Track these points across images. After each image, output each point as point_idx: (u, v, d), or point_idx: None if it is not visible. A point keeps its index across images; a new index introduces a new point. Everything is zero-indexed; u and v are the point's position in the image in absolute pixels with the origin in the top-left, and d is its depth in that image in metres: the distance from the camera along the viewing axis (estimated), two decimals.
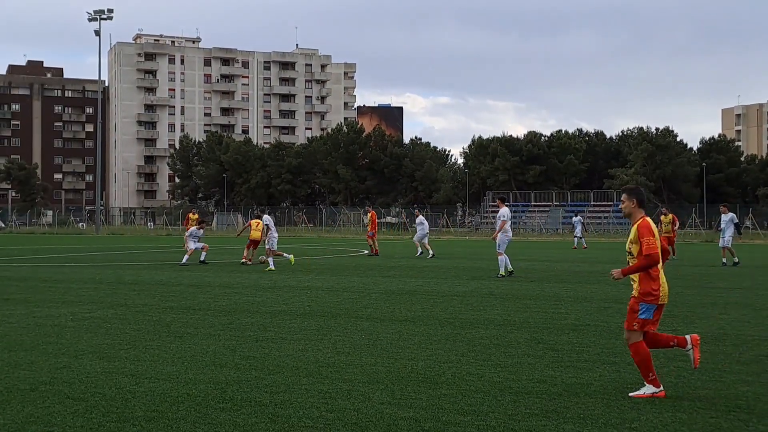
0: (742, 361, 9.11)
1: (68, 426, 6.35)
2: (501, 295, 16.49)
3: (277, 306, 14.44)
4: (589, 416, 6.64)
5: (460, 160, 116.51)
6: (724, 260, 27.01)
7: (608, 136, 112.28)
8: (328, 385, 7.81)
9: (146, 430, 6.25)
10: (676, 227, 31.22)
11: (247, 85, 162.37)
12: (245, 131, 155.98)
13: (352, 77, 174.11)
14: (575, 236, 45.44)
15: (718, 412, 6.80)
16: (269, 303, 14.94)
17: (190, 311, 13.67)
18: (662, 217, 30.27)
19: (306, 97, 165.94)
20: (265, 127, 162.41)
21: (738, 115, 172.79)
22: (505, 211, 21.33)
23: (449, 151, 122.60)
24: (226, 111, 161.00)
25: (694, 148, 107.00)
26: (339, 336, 10.87)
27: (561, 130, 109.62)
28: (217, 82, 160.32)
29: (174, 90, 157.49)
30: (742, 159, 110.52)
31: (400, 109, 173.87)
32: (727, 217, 27.12)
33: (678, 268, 25.35)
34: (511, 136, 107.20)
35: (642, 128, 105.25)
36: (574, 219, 47.08)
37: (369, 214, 35.86)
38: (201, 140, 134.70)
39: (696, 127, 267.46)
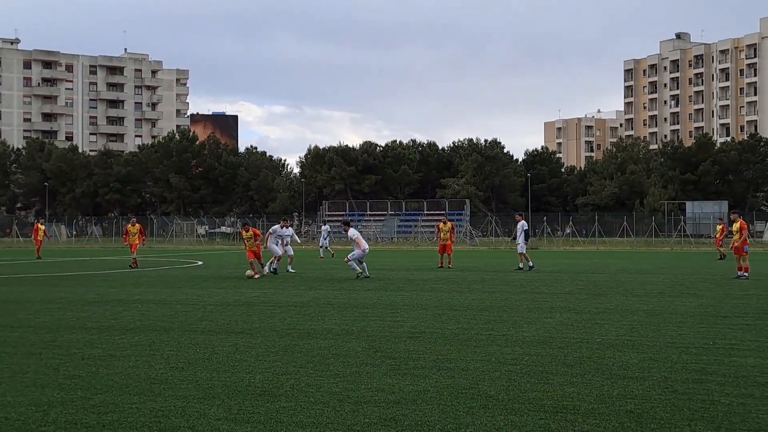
0: (567, 362, 9.53)
1: None
2: (339, 304, 16.52)
3: (105, 321, 13.79)
4: (426, 423, 6.73)
5: (297, 170, 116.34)
6: (521, 265, 28.67)
7: (440, 147, 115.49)
8: (161, 402, 7.51)
9: None
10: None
11: (72, 89, 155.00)
12: (69, 138, 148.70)
13: (185, 84, 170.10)
14: (321, 246, 43.57)
15: (547, 413, 7.07)
16: (96, 318, 14.25)
17: (8, 329, 12.81)
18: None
19: (136, 103, 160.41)
20: (91, 133, 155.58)
21: (559, 128, 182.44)
22: (353, 232, 25.83)
23: (285, 161, 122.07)
24: (48, 116, 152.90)
25: (520, 160, 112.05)
26: (172, 351, 10.50)
27: (396, 141, 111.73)
28: (38, 85, 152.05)
29: None
30: (563, 170, 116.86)
31: (235, 117, 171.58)
32: (520, 225, 28.98)
33: (505, 275, 26.36)
34: (347, 146, 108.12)
35: (472, 140, 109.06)
36: (323, 228, 45.30)
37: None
38: (20, 147, 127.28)
39: (521, 139, 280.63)
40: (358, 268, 24.53)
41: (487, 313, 14.65)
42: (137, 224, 32.96)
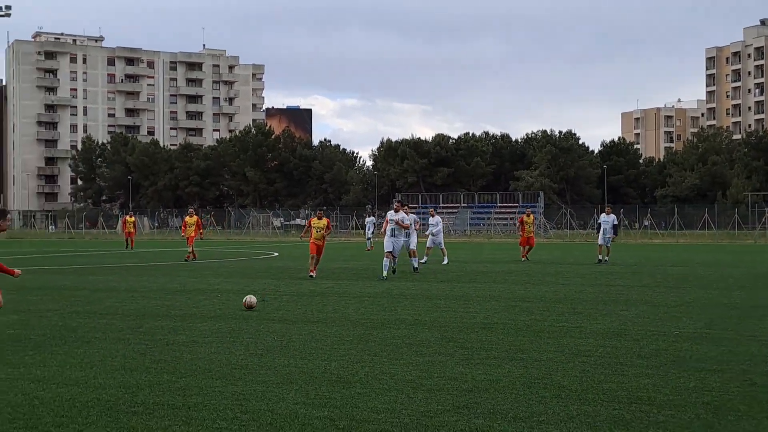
0: (643, 354, 9.48)
1: None
2: (412, 295, 16.68)
3: (187, 309, 14.25)
4: (498, 411, 6.81)
5: (369, 162, 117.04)
6: (600, 257, 28.25)
7: (513, 139, 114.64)
8: (241, 386, 7.78)
9: None
10: None
11: (153, 85, 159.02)
12: (151, 133, 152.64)
13: (261, 78, 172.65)
14: (367, 238, 43.12)
15: (621, 404, 7.08)
16: (179, 306, 14.73)
17: (97, 316, 13.36)
18: None
19: (213, 98, 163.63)
20: (171, 128, 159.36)
21: (637, 119, 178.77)
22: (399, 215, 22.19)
23: (358, 154, 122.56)
24: (131, 112, 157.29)
25: (596, 151, 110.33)
26: (251, 338, 10.81)
27: (468, 133, 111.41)
28: (122, 82, 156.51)
29: (76, 90, 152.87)
30: (641, 161, 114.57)
31: (309, 111, 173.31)
32: (611, 219, 28.48)
33: (579, 267, 26.12)
34: (419, 138, 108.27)
35: (546, 131, 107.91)
36: (367, 219, 45.06)
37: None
38: (105, 141, 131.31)
39: (597, 130, 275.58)
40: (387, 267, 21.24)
41: (561, 305, 14.60)
42: (195, 215, 32.08)
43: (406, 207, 23.10)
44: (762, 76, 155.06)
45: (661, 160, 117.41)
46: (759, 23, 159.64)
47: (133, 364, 9.00)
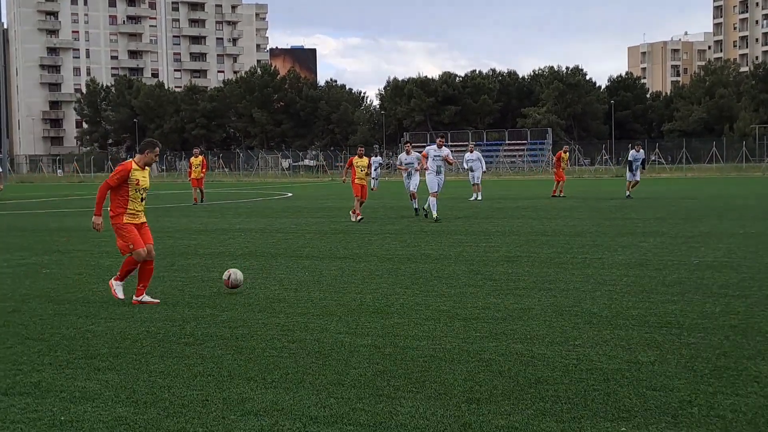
0: (666, 283, 9.75)
1: (36, 363, 6.47)
2: (432, 231, 16.96)
3: (215, 248, 14.55)
4: (535, 336, 7.10)
5: (376, 102, 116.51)
6: (629, 192, 28.30)
7: (520, 76, 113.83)
8: (283, 318, 8.08)
9: (115, 365, 6.42)
10: None
11: (155, 27, 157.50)
12: (155, 75, 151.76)
13: (264, 18, 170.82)
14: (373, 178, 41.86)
15: (651, 327, 7.36)
16: (206, 245, 15.03)
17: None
18: None
19: (217, 39, 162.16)
20: (175, 70, 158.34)
21: (643, 53, 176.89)
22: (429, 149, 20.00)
23: (365, 93, 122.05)
24: (134, 54, 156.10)
25: (603, 86, 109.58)
26: (283, 274, 11.11)
27: (475, 71, 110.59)
28: (123, 23, 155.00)
29: (78, 32, 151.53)
30: (648, 96, 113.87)
31: (314, 51, 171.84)
32: (639, 154, 28.45)
33: (594, 202, 26.35)
34: (426, 77, 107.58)
35: (553, 67, 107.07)
36: (374, 159, 43.56)
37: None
38: (109, 84, 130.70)
39: (604, 65, 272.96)
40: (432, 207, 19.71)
41: (580, 239, 14.86)
42: (200, 155, 29.75)
43: (408, 145, 22.22)
44: None
45: (668, 94, 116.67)
46: None
47: (174, 299, 9.31)
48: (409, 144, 22.45)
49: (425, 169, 19.43)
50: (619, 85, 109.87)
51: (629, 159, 28.84)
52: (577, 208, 23.87)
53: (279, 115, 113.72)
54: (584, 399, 5.31)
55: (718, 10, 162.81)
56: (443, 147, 19.94)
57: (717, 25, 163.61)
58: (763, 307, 8.15)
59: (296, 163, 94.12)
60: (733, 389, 5.44)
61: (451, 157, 20.21)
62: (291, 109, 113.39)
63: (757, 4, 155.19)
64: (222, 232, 17.81)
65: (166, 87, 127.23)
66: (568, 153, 31.43)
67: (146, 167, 9.20)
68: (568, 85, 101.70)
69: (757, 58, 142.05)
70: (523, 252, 13.03)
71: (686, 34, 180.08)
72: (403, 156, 22.02)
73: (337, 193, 33.59)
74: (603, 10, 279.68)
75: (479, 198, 28.05)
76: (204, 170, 29.51)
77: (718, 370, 5.91)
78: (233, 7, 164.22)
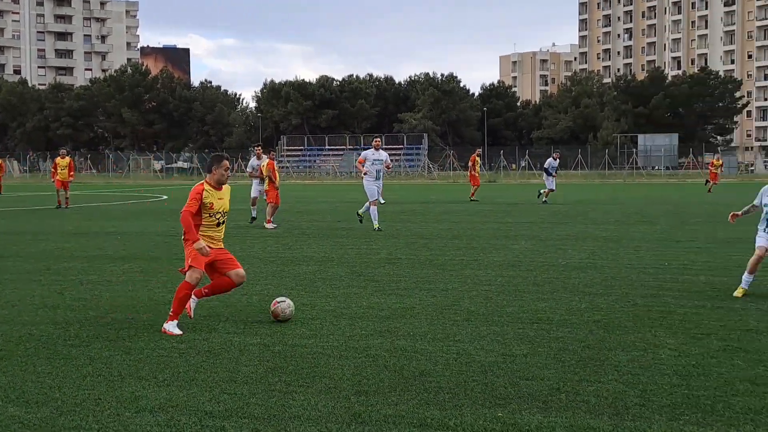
0: (537, 282, 10.37)
1: None
2: (314, 234, 17.21)
3: (92, 251, 14.29)
4: (418, 333, 7.48)
5: (252, 104, 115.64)
6: (545, 199, 28.78)
7: (397, 82, 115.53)
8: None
9: (2, 368, 6.36)
10: None
11: (18, 21, 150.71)
12: (17, 71, 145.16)
13: (135, 16, 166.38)
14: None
15: (524, 323, 7.88)
16: (81, 248, 14.73)
17: (1, 258, 13.26)
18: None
19: (85, 35, 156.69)
20: (39, 67, 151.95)
21: (514, 62, 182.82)
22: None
23: (240, 95, 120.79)
24: None
25: (476, 94, 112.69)
26: (166, 277, 11.10)
27: (352, 75, 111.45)
28: None
29: None
30: (519, 104, 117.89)
31: (187, 50, 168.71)
32: (556, 163, 29.38)
33: (468, 206, 27.24)
34: (303, 80, 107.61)
35: (428, 74, 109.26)
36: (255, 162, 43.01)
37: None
38: None
39: (477, 73, 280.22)
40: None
41: (457, 241, 15.46)
42: (67, 156, 27.91)
43: (259, 149, 20.58)
44: (631, 22, 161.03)
45: (537, 102, 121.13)
46: None
47: (54, 302, 9.19)
48: (259, 147, 20.81)
49: (364, 174, 17.66)
50: (491, 93, 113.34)
51: (545, 166, 29.53)
52: (453, 212, 24.64)
53: (151, 115, 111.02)
54: (464, 389, 5.70)
55: (583, 24, 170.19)
56: (380, 150, 18.18)
57: (582, 38, 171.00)
58: (623, 304, 8.83)
59: (169, 165, 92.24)
60: (596, 377, 5.96)
61: (389, 161, 18.50)
62: (163, 109, 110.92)
63: (618, 18, 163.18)
64: (96, 234, 17.46)
65: (30, 84, 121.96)
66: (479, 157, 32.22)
67: (221, 186, 8.04)
68: (443, 91, 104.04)
69: (618, 70, 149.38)
70: (403, 254, 13.46)
71: (554, 45, 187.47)
72: (254, 161, 20.55)
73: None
74: (477, 20, 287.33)
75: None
76: (72, 173, 27.78)
77: (583, 361, 6.43)
78: (102, 4, 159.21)
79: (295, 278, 10.90)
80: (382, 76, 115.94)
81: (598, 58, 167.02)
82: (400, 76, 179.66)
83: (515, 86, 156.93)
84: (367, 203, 17.85)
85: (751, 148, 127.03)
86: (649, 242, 15.01)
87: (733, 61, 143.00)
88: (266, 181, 19.39)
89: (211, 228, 8.06)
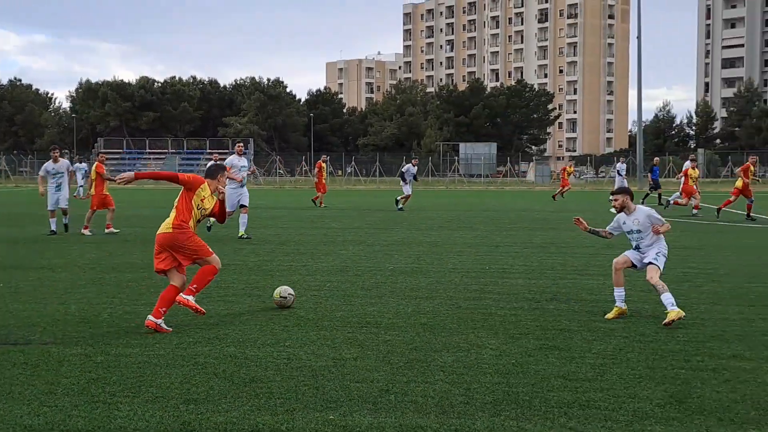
0: (365, 287, 10.55)
1: None
2: (135, 240, 16.66)
3: None
4: (247, 339, 7.43)
5: (66, 105, 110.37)
6: (401, 206, 28.52)
7: (222, 85, 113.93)
8: None
9: None
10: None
11: None
12: None
13: None
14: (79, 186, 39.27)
15: (353, 327, 8.00)
16: None
17: None
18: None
19: None
20: None
21: (340, 69, 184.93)
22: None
23: (53, 94, 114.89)
24: None
25: (302, 100, 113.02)
26: None
27: (174, 77, 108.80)
28: None
29: None
30: (345, 111, 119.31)
31: None
32: (414, 169, 29.47)
33: (295, 212, 27.26)
34: (122, 80, 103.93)
35: (254, 78, 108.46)
36: (77, 165, 40.45)
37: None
38: None
39: (303, 79, 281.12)
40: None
41: (285, 247, 15.45)
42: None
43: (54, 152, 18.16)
44: (452, 34, 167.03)
45: (363, 110, 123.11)
46: None
47: None
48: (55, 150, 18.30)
49: (239, 181, 16.75)
50: (317, 99, 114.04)
51: (402, 171, 29.64)
52: (281, 217, 24.56)
53: None
54: (295, 393, 5.73)
55: (407, 34, 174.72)
56: (243, 155, 17.42)
57: (407, 47, 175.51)
58: (447, 307, 9.15)
59: None
60: (423, 378, 6.15)
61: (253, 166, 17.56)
62: None
63: (441, 30, 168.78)
64: None
65: None
66: (326, 163, 32.03)
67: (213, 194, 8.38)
68: (269, 96, 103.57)
69: (441, 80, 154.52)
70: (230, 260, 13.27)
71: (379, 53, 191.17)
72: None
73: (27, 201, 31.49)
74: (303, 26, 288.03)
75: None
76: None
77: (411, 362, 6.62)
78: None
79: (117, 286, 10.53)
80: (206, 79, 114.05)
81: (422, 67, 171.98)
82: (226, 80, 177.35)
83: (341, 93, 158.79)
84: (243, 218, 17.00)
85: (562, 157, 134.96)
86: (471, 247, 15.62)
87: (546, 75, 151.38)
88: (92, 185, 18.47)
89: (194, 221, 8.20)
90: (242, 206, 17.03)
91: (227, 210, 16.13)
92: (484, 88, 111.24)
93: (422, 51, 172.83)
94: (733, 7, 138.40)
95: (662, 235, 8.59)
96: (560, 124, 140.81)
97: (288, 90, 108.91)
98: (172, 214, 8.22)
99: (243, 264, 12.82)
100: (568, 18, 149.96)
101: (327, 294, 9.96)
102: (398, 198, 28.98)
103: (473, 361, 6.67)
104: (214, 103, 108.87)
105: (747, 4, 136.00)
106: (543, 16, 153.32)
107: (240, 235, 16.87)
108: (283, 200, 37.79)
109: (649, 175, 33.42)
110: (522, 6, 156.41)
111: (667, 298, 8.10)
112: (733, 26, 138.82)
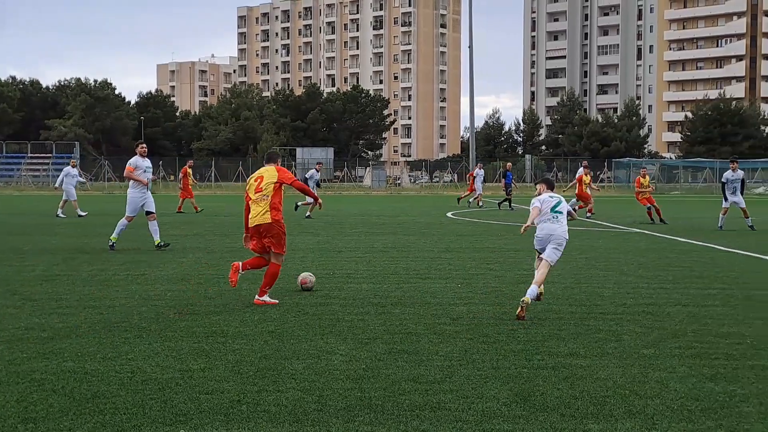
0: (208, 296, 10.32)
1: None
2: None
3: None
4: (86, 353, 7.08)
5: None
6: (308, 213, 27.44)
7: (45, 86, 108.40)
8: None
9: None
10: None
11: None
12: None
13: None
14: None
15: (199, 337, 7.79)
16: None
17: None
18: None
19: None
20: None
21: (172, 72, 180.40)
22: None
23: None
24: None
25: (132, 102, 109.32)
26: None
27: None
28: None
29: None
30: (178, 114, 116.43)
31: None
32: (318, 175, 28.39)
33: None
34: None
35: (80, 79, 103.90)
36: None
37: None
38: None
39: (133, 80, 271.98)
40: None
41: (122, 255, 14.88)
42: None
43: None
44: (288, 38, 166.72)
45: (197, 113, 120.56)
46: None
47: None
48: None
49: (145, 184, 15.96)
50: (149, 101, 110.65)
51: (306, 177, 28.51)
52: (114, 225, 23.58)
53: None
54: (142, 408, 5.52)
55: (242, 37, 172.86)
56: (146, 157, 16.39)
57: (242, 51, 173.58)
58: (294, 313, 9.11)
59: None
60: (275, 386, 6.09)
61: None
62: None
63: (276, 34, 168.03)
64: None
65: None
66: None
67: None
68: (96, 98, 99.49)
69: (277, 84, 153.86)
70: (61, 271, 12.64)
71: (213, 56, 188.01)
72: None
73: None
74: (132, 26, 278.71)
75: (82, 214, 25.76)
76: None
77: (261, 371, 6.54)
78: None
79: None
80: (27, 80, 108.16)
81: (258, 71, 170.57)
82: (48, 81, 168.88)
83: (174, 96, 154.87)
84: (125, 220, 16.04)
85: (398, 162, 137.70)
86: (314, 252, 15.63)
87: (381, 81, 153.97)
88: None
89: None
90: (149, 213, 16.03)
91: (129, 215, 15.73)
92: (320, 93, 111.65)
93: (258, 55, 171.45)
94: (556, 20, 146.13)
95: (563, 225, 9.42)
96: (395, 129, 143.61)
97: (117, 92, 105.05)
98: (266, 205, 9.67)
99: (75, 274, 12.22)
100: (402, 26, 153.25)
101: (168, 304, 9.66)
102: (299, 203, 27.45)
103: (324, 368, 6.67)
104: (36, 105, 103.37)
105: (568, 18, 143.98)
106: (378, 23, 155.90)
107: (157, 243, 15.87)
108: (111, 207, 36.34)
109: (503, 180, 34.38)
110: (357, 13, 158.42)
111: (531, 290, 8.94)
112: (556, 38, 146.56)
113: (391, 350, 7.32)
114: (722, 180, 22.61)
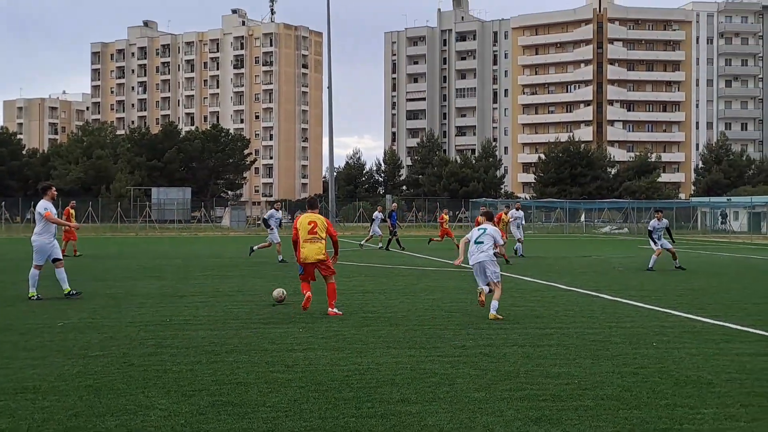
0: (28, 347, 9.61)
1: None
2: None
3: None
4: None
5: None
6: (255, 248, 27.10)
7: None
8: None
9: None
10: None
11: None
12: None
13: None
14: None
15: (8, 394, 7.18)
16: None
17: None
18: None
19: None
20: None
21: (20, 108, 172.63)
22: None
23: None
24: None
25: None
26: None
27: None
28: None
29: None
30: (25, 152, 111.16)
31: None
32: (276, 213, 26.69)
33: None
34: None
35: None
36: None
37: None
38: None
39: None
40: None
41: None
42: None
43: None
44: (145, 75, 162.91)
45: (46, 151, 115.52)
46: (142, 24, 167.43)
47: None
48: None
49: (73, 228, 13.77)
50: None
51: (265, 217, 26.68)
52: None
53: None
54: None
55: (96, 73, 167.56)
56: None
57: (95, 87, 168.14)
58: (119, 365, 8.57)
59: None
60: None
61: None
62: None
63: (133, 71, 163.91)
64: None
65: None
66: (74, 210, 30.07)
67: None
68: None
69: (133, 122, 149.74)
70: None
71: (65, 93, 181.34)
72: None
73: None
74: None
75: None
76: None
77: (68, 430, 6.03)
78: None
79: None
80: None
81: (112, 109, 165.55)
82: None
83: (21, 133, 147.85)
84: (35, 270, 14.84)
85: (259, 202, 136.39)
86: (154, 298, 14.97)
87: (242, 120, 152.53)
88: None
89: None
90: (56, 260, 15.01)
91: (37, 263, 14.58)
92: (178, 132, 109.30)
93: (112, 92, 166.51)
94: (416, 63, 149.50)
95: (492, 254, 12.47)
96: (257, 169, 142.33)
97: None
98: (322, 246, 12.52)
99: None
100: (263, 65, 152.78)
101: None
102: (254, 247, 27.07)
103: (139, 425, 6.23)
104: None
105: (427, 61, 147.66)
106: (239, 62, 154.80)
107: (67, 291, 14.86)
108: None
109: (388, 220, 34.38)
110: (218, 51, 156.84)
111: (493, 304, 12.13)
112: (416, 81, 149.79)
113: (215, 402, 6.96)
114: (649, 228, 24.02)
